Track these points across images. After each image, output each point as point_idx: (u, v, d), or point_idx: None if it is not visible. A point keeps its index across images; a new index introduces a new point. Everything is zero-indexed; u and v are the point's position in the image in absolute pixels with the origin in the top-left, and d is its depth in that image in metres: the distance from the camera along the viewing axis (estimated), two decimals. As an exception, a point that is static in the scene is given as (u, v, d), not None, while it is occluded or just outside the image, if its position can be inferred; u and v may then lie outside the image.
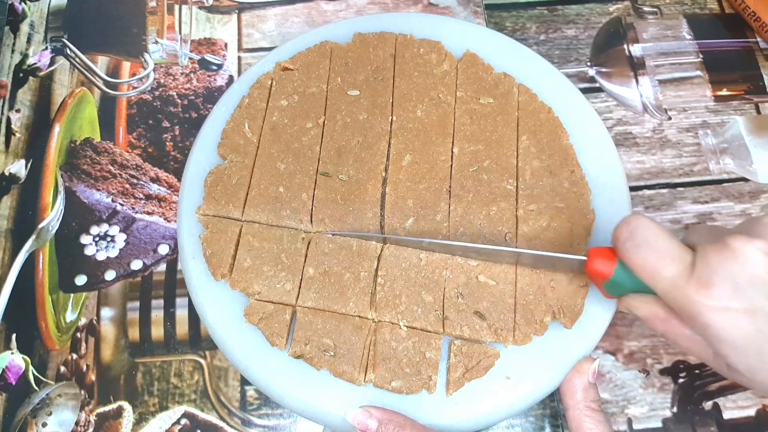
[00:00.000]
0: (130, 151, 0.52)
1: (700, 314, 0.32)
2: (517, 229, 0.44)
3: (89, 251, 0.48)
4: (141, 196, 0.50)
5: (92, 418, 0.43)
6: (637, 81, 0.55)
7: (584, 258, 0.38)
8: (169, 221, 0.49)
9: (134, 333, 0.46)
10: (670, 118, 0.53)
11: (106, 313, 0.47)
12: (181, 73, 0.55)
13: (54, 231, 0.49)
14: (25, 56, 0.56)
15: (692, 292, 0.32)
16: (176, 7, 0.58)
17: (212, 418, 0.43)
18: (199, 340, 0.46)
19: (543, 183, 0.45)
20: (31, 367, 0.45)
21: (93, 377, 0.45)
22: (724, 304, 0.31)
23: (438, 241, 0.42)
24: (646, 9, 0.58)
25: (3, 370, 0.45)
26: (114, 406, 0.44)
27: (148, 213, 0.50)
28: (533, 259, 0.42)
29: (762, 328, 0.31)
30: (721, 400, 0.45)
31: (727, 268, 0.31)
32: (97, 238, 0.49)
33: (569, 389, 0.39)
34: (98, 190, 0.50)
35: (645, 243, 0.34)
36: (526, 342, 0.41)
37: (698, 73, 0.55)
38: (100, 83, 0.55)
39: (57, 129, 0.53)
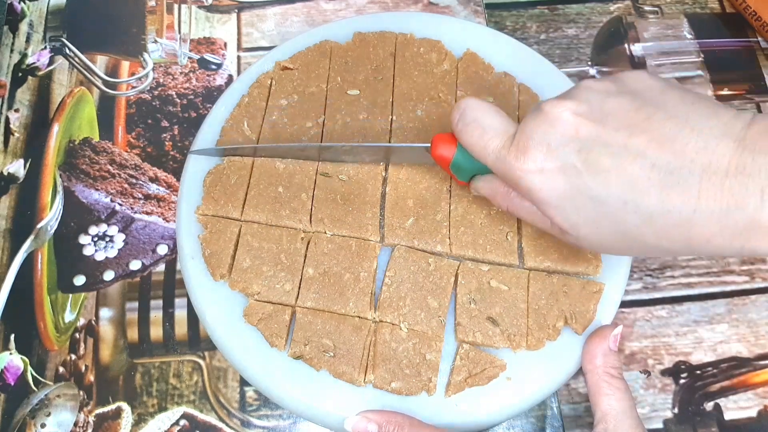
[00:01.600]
0: (129, 150, 0.52)
1: (521, 179, 0.34)
2: (522, 229, 0.44)
3: (88, 251, 0.48)
4: (140, 195, 0.50)
5: (91, 418, 0.43)
6: (637, 80, 0.55)
7: (428, 144, 0.40)
8: (168, 221, 0.49)
9: (133, 333, 0.46)
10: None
11: (105, 313, 0.46)
12: (181, 73, 0.55)
13: (53, 231, 0.49)
14: (24, 56, 0.56)
15: (512, 159, 0.34)
16: (175, 6, 0.58)
17: (211, 419, 0.43)
18: (198, 340, 0.46)
19: None
20: (29, 368, 0.45)
21: (92, 378, 0.44)
22: (539, 165, 0.33)
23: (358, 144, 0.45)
24: (646, 8, 0.58)
25: (1, 370, 0.45)
26: (113, 406, 0.44)
27: (147, 213, 0.50)
28: (388, 152, 0.44)
29: (574, 182, 0.32)
30: (722, 401, 0.45)
31: (541, 131, 0.33)
32: (95, 238, 0.49)
33: (590, 353, 0.39)
34: (97, 189, 0.50)
35: (473, 121, 0.36)
36: (539, 347, 0.41)
37: (699, 72, 0.55)
38: (99, 83, 0.55)
39: (56, 128, 0.53)
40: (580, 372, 0.42)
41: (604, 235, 0.33)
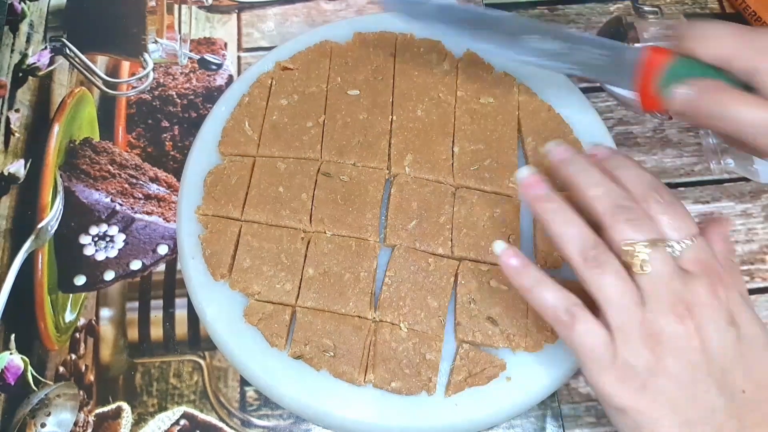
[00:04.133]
0: (129, 150, 0.52)
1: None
2: (536, 231, 0.44)
3: (88, 251, 0.48)
4: (140, 195, 0.50)
5: (91, 418, 0.43)
6: (637, 81, 0.55)
7: (640, 48, 0.38)
8: (168, 221, 0.49)
9: (133, 333, 0.46)
10: (670, 118, 0.53)
11: (105, 313, 0.46)
12: (181, 73, 0.55)
13: (53, 231, 0.49)
14: (24, 56, 0.56)
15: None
16: (176, 6, 0.58)
17: (212, 418, 0.43)
18: (198, 340, 0.46)
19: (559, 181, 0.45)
20: (29, 368, 0.45)
21: (92, 377, 0.44)
22: None
23: None
24: (646, 8, 0.58)
25: (2, 370, 0.45)
26: (113, 406, 0.44)
27: (148, 213, 0.50)
28: (580, 42, 0.40)
29: None
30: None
31: None
32: (96, 238, 0.49)
33: (708, 239, 0.35)
34: (97, 189, 0.50)
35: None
36: (538, 349, 0.40)
37: (699, 72, 0.55)
38: (99, 83, 0.55)
39: (56, 129, 0.53)
40: (580, 372, 0.43)
41: None
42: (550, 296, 0.33)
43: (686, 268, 0.32)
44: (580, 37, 0.41)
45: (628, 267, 0.32)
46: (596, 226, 0.34)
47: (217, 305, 0.43)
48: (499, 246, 0.35)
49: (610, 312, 0.32)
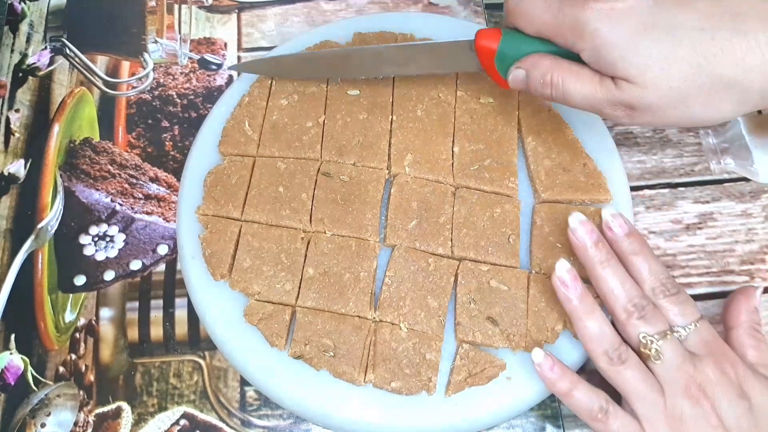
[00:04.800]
0: (129, 150, 0.52)
1: (587, 23, 0.34)
2: (533, 237, 0.44)
3: (88, 251, 0.48)
4: (140, 195, 0.50)
5: (91, 418, 0.43)
6: (637, 81, 0.55)
7: (471, 39, 0.41)
8: (168, 221, 0.49)
9: (133, 333, 0.46)
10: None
11: (105, 313, 0.46)
12: (181, 73, 0.55)
13: (53, 231, 0.49)
14: (24, 56, 0.56)
15: (579, 8, 0.34)
16: (176, 6, 0.58)
17: (211, 418, 0.43)
18: (198, 340, 0.46)
19: (560, 180, 0.45)
20: (29, 368, 0.45)
21: (92, 378, 0.44)
22: (609, 6, 0.34)
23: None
24: (646, 8, 0.58)
25: (2, 370, 0.45)
26: (113, 406, 0.44)
27: (148, 213, 0.50)
28: (421, 53, 0.44)
29: (647, 18, 0.33)
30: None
31: None
32: (96, 238, 0.49)
33: (735, 310, 0.40)
34: (97, 189, 0.50)
35: None
36: None
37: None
38: (99, 83, 0.55)
39: (56, 129, 0.53)
40: (579, 372, 0.43)
41: (675, 74, 0.34)
42: (585, 398, 0.37)
43: (693, 351, 0.36)
44: (422, 46, 0.45)
45: (645, 358, 0.36)
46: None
47: (217, 305, 0.43)
48: (538, 356, 0.38)
49: (635, 403, 0.35)
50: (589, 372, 0.42)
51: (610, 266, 0.38)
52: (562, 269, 0.38)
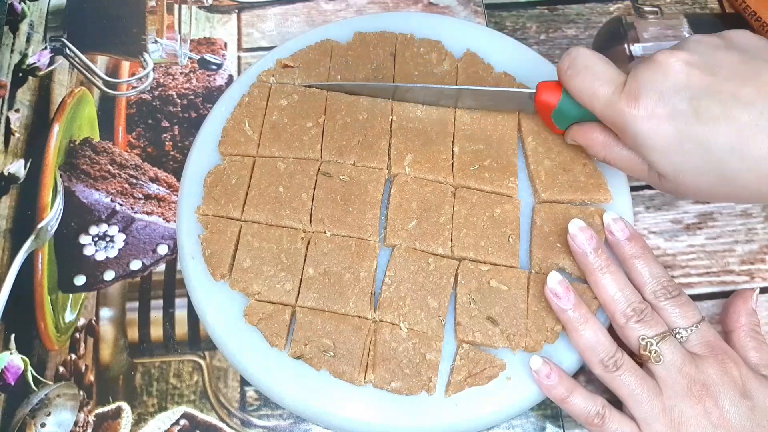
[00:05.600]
0: (129, 150, 0.52)
1: (630, 125, 0.36)
2: (533, 237, 0.44)
3: (88, 251, 0.48)
4: (140, 195, 0.50)
5: (91, 418, 0.43)
6: (637, 81, 0.55)
7: (533, 90, 0.43)
8: (168, 221, 0.49)
9: (133, 333, 0.46)
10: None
11: (105, 313, 0.46)
12: (181, 73, 0.55)
13: (53, 231, 0.49)
14: (24, 56, 0.56)
15: (623, 105, 0.36)
16: (176, 6, 0.58)
17: (211, 418, 0.43)
18: (198, 340, 0.46)
19: (560, 181, 0.45)
20: (29, 368, 0.45)
21: (92, 378, 0.44)
22: (649, 111, 0.35)
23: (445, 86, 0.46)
24: (646, 8, 0.58)
25: (2, 370, 0.45)
26: (113, 406, 0.44)
27: (148, 213, 0.50)
28: (477, 97, 0.46)
29: (683, 129, 0.34)
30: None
31: (653, 79, 0.35)
32: (96, 238, 0.49)
33: (734, 313, 0.40)
34: (97, 189, 0.50)
35: (584, 68, 0.38)
36: (537, 350, 0.41)
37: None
38: (99, 83, 0.55)
39: (56, 129, 0.53)
40: (579, 372, 0.43)
41: (704, 180, 0.35)
42: (582, 403, 0.37)
43: (695, 352, 0.37)
44: (486, 91, 0.46)
45: (644, 360, 0.37)
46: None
47: (217, 305, 0.43)
48: (536, 363, 0.39)
49: (633, 407, 0.36)
50: (590, 373, 0.42)
51: (609, 272, 0.38)
52: (554, 281, 0.39)
